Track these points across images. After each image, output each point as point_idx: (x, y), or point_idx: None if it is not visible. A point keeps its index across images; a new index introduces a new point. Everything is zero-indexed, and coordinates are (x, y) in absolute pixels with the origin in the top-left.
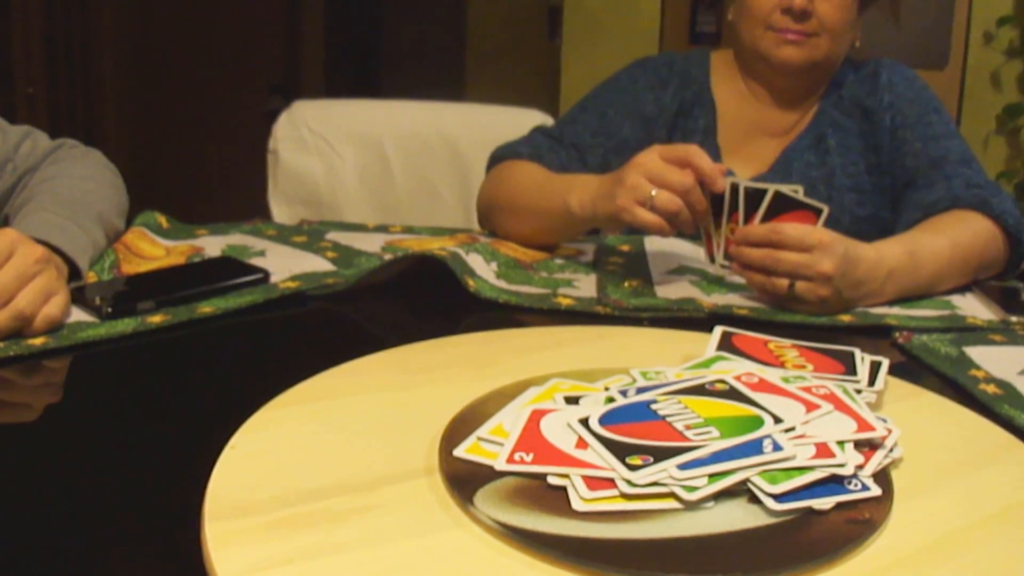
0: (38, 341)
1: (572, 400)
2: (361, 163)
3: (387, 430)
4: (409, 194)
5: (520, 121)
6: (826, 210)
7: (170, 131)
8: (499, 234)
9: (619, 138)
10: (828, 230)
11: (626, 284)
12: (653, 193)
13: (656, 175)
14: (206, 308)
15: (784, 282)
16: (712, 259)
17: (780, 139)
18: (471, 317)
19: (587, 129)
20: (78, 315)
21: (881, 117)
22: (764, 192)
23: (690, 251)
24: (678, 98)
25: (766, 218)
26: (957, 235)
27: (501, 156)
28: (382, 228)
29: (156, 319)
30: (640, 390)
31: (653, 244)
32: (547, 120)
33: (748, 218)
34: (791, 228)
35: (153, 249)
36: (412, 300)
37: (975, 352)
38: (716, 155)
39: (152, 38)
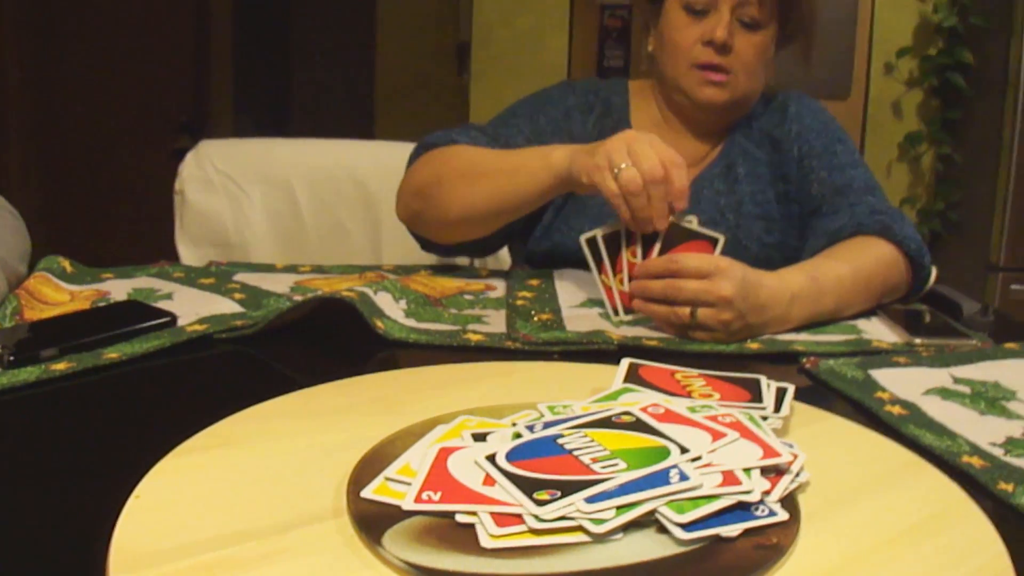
0: None
1: (480, 437)
2: (269, 202)
3: (295, 473)
4: (318, 233)
5: None
6: (722, 239)
7: (76, 172)
8: (441, 208)
9: None
10: (725, 257)
11: (536, 318)
12: (623, 165)
13: (636, 152)
14: (112, 354)
15: (686, 310)
16: (615, 311)
17: (691, 169)
18: (381, 355)
19: (520, 134)
20: None
21: (789, 147)
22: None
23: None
24: (599, 125)
25: (664, 250)
26: (860, 260)
27: (434, 143)
28: (291, 268)
29: (60, 366)
30: (547, 424)
31: (562, 278)
32: None
33: (646, 252)
34: (688, 257)
35: (57, 294)
36: (322, 340)
37: (880, 375)
38: None
39: (57, 76)
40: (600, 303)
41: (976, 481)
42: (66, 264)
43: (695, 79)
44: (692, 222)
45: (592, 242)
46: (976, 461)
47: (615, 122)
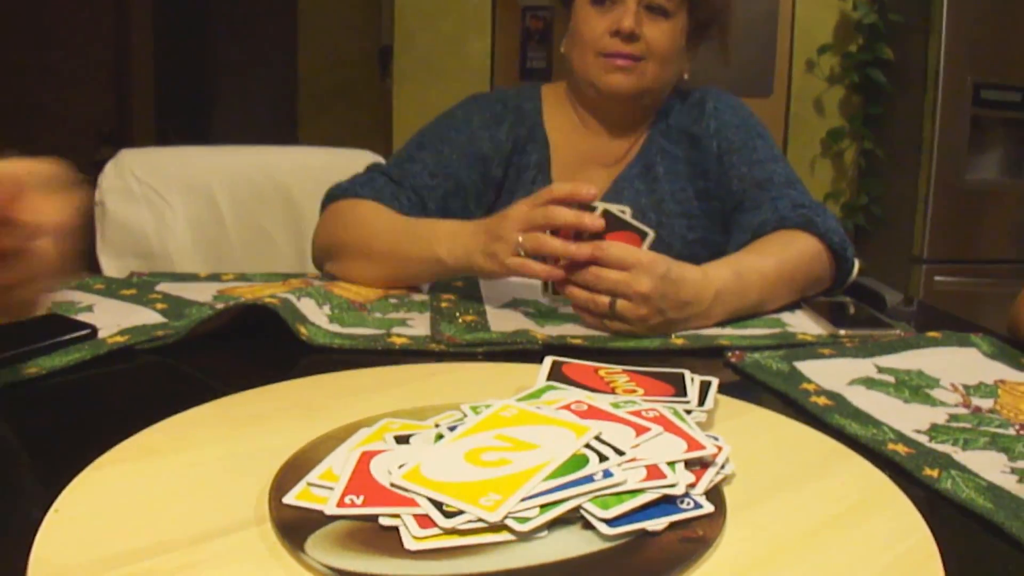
0: None
1: (402, 439)
2: (191, 211)
3: (216, 482)
4: (242, 241)
5: (352, 162)
6: (651, 234)
7: None
8: (343, 277)
9: (456, 180)
10: (651, 252)
11: (460, 319)
12: (520, 239)
13: (526, 222)
14: (31, 368)
15: (605, 299)
16: (545, 289)
17: (611, 168)
18: (305, 361)
19: (425, 169)
20: None
21: (708, 143)
22: (593, 210)
23: (523, 283)
24: (512, 135)
25: (593, 237)
26: (783, 254)
27: (339, 195)
28: (214, 277)
29: None
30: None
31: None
32: (379, 160)
33: (578, 236)
34: (613, 247)
35: None
36: (245, 348)
37: (805, 366)
38: None
39: None
40: (525, 303)
41: (902, 468)
42: None
43: (601, 66)
44: (625, 212)
45: None
46: (901, 448)
47: (528, 129)
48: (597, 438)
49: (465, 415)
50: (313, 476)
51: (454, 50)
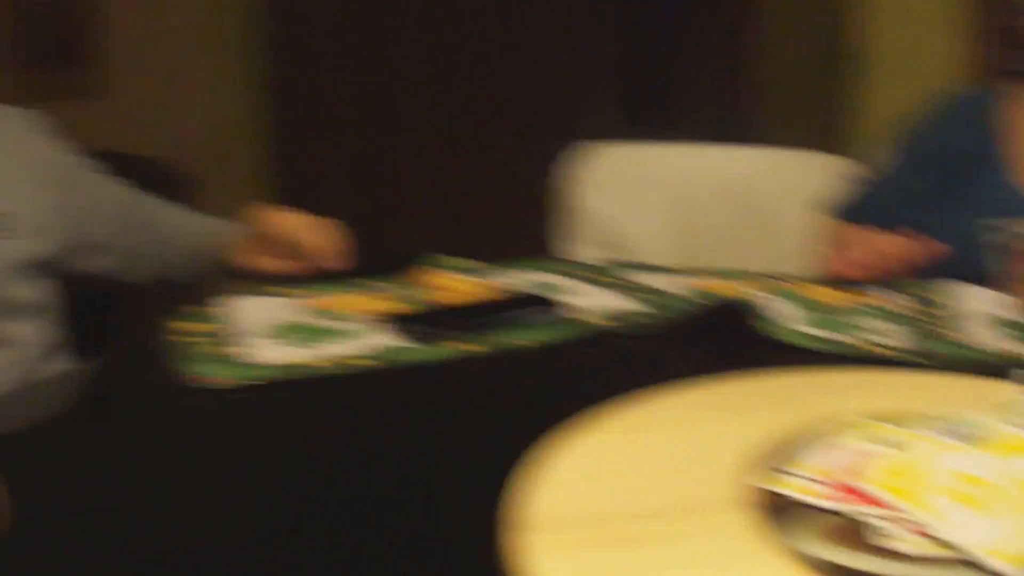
0: (362, 362)
1: (890, 443)
2: (658, 209)
3: (695, 460)
4: (705, 239)
5: (815, 166)
6: None
7: (460, 172)
8: None
9: None
10: None
11: (940, 335)
12: None
13: None
14: (519, 340)
15: None
16: None
17: None
18: (772, 357)
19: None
20: (398, 340)
21: None
22: None
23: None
24: (969, 139)
25: None
26: None
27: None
28: (685, 271)
29: (471, 347)
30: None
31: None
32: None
33: None
34: None
35: (464, 285)
36: (714, 340)
37: None
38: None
39: (449, 80)
40: (1006, 323)
41: None
42: (466, 263)
43: None
44: None
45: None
46: None
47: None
48: None
49: (950, 428)
50: (799, 467)
51: (921, 53)
